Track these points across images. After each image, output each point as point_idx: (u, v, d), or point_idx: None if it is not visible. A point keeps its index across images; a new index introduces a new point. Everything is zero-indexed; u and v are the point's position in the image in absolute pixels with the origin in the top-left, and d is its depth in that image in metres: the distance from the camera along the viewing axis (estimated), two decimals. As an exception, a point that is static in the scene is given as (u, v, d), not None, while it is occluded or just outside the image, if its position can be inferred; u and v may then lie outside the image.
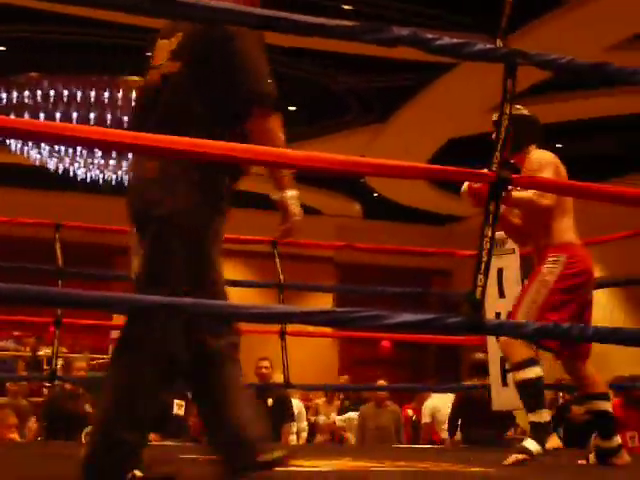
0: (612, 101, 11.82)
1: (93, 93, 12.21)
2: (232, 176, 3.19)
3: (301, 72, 11.45)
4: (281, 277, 6.91)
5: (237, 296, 3.27)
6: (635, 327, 11.29)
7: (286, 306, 2.93)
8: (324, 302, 15.65)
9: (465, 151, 10.20)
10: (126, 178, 14.24)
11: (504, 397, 6.67)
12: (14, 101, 12.35)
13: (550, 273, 4.52)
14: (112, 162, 13.99)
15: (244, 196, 3.23)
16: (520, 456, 4.38)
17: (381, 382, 10.57)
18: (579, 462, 4.75)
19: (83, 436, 4.73)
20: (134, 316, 3.02)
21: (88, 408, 7.97)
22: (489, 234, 3.00)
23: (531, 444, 4.41)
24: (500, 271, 6.66)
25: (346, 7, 10.12)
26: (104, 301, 2.79)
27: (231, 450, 3.09)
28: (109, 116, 12.42)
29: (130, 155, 13.39)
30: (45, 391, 10.33)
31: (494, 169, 3.05)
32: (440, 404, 9.42)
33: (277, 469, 3.10)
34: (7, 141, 12.89)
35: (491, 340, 6.53)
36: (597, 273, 15.03)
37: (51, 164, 14.12)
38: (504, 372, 6.48)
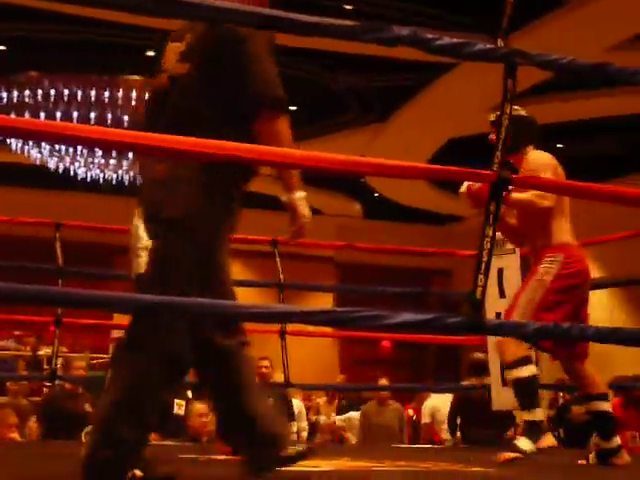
0: (613, 101, 11.82)
1: (93, 92, 12.20)
2: (243, 177, 3.21)
3: (301, 72, 11.45)
4: (281, 277, 6.91)
5: (237, 295, 3.28)
6: (635, 327, 11.29)
7: (286, 306, 2.94)
8: (324, 302, 15.65)
9: (465, 151, 10.19)
10: (126, 178, 14.25)
11: (504, 397, 6.67)
12: (14, 100, 12.34)
13: (547, 273, 4.52)
14: (112, 161, 13.98)
15: (244, 196, 3.24)
16: (512, 454, 4.39)
17: (383, 381, 10.57)
18: (579, 462, 4.75)
19: (83, 436, 4.72)
20: (139, 316, 3.03)
21: (88, 407, 7.96)
22: (489, 234, 3.00)
23: (524, 443, 4.41)
24: (500, 271, 6.66)
25: (347, 7, 10.13)
26: (104, 300, 2.79)
27: (254, 446, 3.12)
28: (109, 115, 12.41)
29: (130, 155, 13.44)
30: (45, 391, 10.32)
31: (495, 169, 3.05)
32: (439, 404, 9.42)
33: (291, 467, 3.13)
34: (8, 140, 12.88)
35: (491, 340, 6.53)
36: (597, 273, 15.07)
37: (51, 163, 14.12)
38: (504, 372, 6.48)
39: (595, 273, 15.08)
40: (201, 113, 3.11)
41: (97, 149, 12.63)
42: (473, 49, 2.97)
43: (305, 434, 9.85)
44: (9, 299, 2.65)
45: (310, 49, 10.21)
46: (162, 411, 3.32)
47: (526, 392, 4.49)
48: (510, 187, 4.22)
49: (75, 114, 12.31)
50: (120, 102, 12.27)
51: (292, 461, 3.14)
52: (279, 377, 7.41)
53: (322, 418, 11.82)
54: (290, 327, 6.89)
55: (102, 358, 12.47)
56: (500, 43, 3.03)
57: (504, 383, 6.51)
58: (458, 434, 8.31)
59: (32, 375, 11.17)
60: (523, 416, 4.48)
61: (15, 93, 12.30)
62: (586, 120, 12.81)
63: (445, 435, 9.10)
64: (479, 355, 7.69)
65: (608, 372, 10.20)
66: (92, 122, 12.17)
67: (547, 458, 4.62)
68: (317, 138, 13.74)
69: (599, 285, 10.51)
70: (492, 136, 4.81)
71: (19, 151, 13.76)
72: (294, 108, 13.62)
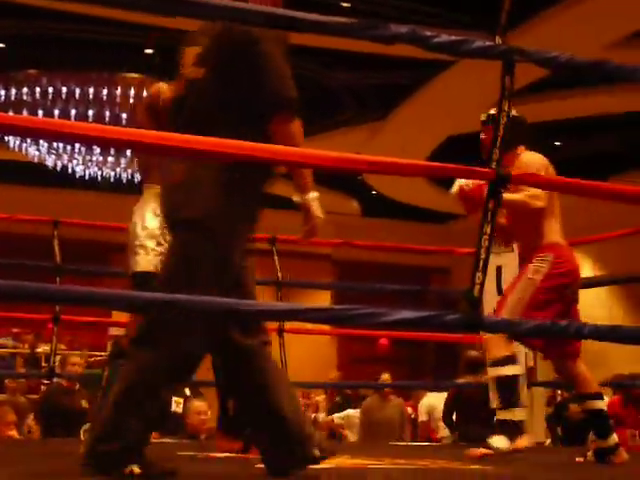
0: (611, 99, 11.82)
1: (92, 90, 12.20)
2: (262, 178, 3.22)
3: (298, 69, 11.40)
4: (279, 274, 6.91)
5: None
6: (634, 325, 11.31)
7: (287, 303, 2.94)
8: (322, 300, 15.66)
9: (464, 148, 10.19)
10: (124, 175, 14.24)
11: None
12: (13, 98, 12.33)
13: (537, 272, 4.52)
14: (110, 159, 13.98)
15: (264, 196, 3.27)
16: (484, 451, 4.39)
17: (386, 376, 10.58)
18: (577, 460, 4.75)
19: (82, 433, 4.72)
20: (150, 313, 3.03)
21: (85, 404, 7.97)
22: (488, 232, 3.00)
23: (499, 441, 4.42)
24: (499, 269, 6.65)
25: (344, 4, 10.13)
26: (102, 298, 2.79)
27: (279, 446, 3.13)
28: (107, 113, 12.41)
29: (128, 153, 13.42)
30: (43, 388, 10.33)
31: (493, 167, 3.05)
32: (436, 402, 9.43)
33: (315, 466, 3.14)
34: (6, 138, 12.88)
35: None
36: (596, 271, 15.04)
37: (49, 161, 14.11)
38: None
39: (594, 271, 15.12)
40: (216, 115, 3.14)
41: (95, 147, 12.63)
42: (471, 46, 2.96)
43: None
44: (7, 297, 2.65)
45: (307, 47, 10.22)
46: (165, 409, 3.34)
47: (507, 391, 4.49)
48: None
49: (73, 112, 12.30)
50: (118, 100, 12.26)
51: (317, 462, 3.15)
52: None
53: (321, 416, 11.82)
54: (288, 324, 6.89)
55: (100, 355, 12.48)
56: (498, 40, 3.03)
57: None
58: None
59: (30, 373, 11.17)
60: (502, 415, 4.46)
61: (13, 90, 12.29)
62: (584, 118, 12.82)
63: (442, 433, 9.10)
64: (474, 353, 7.69)
65: (605, 370, 10.21)
66: (90, 120, 12.16)
67: (545, 456, 4.62)
68: (315, 136, 13.73)
69: (598, 283, 10.53)
70: (483, 136, 4.82)
71: (17, 149, 13.76)
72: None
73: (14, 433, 7.55)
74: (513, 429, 4.44)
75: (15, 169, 15.09)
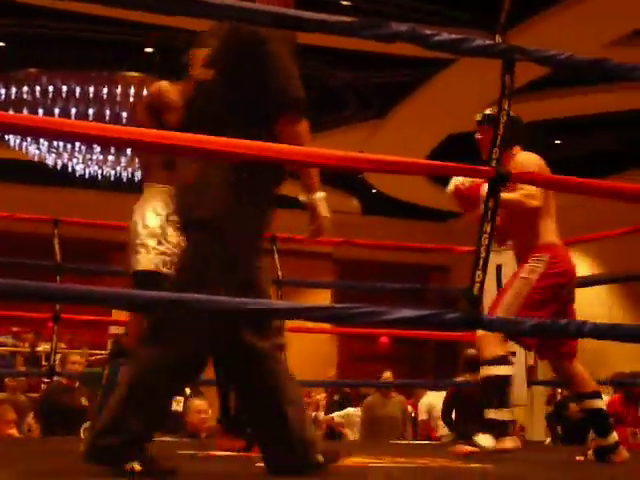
0: (611, 97, 11.82)
1: (92, 89, 12.20)
2: (273, 178, 3.22)
3: (299, 68, 11.42)
4: (279, 273, 6.91)
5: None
6: (634, 323, 11.30)
7: (288, 302, 2.94)
8: (322, 298, 15.65)
9: (464, 147, 10.19)
10: (125, 174, 14.24)
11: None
12: (13, 97, 12.33)
13: (532, 272, 4.51)
14: (111, 158, 13.98)
15: (275, 197, 3.28)
16: (470, 448, 4.38)
17: (387, 374, 10.58)
18: (577, 459, 4.75)
19: (82, 431, 4.73)
20: (166, 312, 3.04)
21: (84, 402, 7.97)
22: (488, 230, 3.00)
23: (484, 439, 4.41)
24: (499, 267, 6.66)
25: (344, 3, 10.12)
26: (102, 297, 2.79)
27: (282, 449, 3.14)
28: (108, 112, 12.41)
29: (129, 151, 13.41)
30: (44, 387, 10.33)
31: (493, 165, 3.05)
32: (435, 401, 9.43)
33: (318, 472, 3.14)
34: (6, 137, 12.88)
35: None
36: (596, 269, 15.02)
37: (50, 160, 14.11)
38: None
39: (593, 269, 15.10)
40: (225, 117, 3.15)
41: (95, 145, 12.64)
42: (471, 45, 2.97)
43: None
44: (7, 295, 2.65)
45: (308, 45, 10.21)
46: (167, 408, 3.36)
47: (497, 391, 4.48)
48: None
49: (73, 110, 12.30)
50: (119, 98, 12.26)
51: (320, 467, 3.15)
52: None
53: (321, 414, 11.82)
54: (289, 323, 6.88)
55: (100, 354, 12.48)
56: (498, 39, 3.03)
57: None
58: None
59: (30, 371, 11.17)
60: (490, 414, 4.45)
61: (13, 89, 12.29)
62: (584, 116, 12.81)
63: (441, 431, 9.11)
64: (474, 351, 7.68)
65: (605, 369, 10.22)
66: (90, 118, 12.17)
67: (545, 455, 4.62)
68: (315, 134, 13.68)
69: (598, 281, 10.52)
70: (478, 135, 4.83)
71: (17, 147, 13.75)
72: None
73: (14, 432, 7.55)
74: (500, 429, 4.42)
75: (15, 168, 15.09)
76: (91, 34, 11.32)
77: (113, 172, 14.30)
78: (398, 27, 2.87)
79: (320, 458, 3.16)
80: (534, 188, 4.37)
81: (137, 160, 12.95)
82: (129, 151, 13.21)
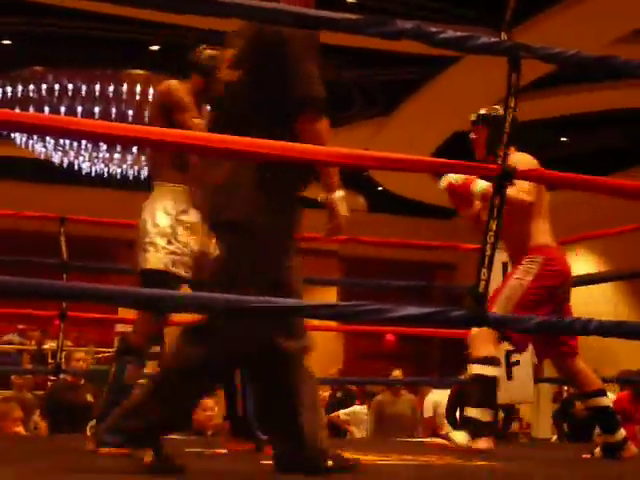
0: (617, 94, 11.81)
1: (98, 87, 12.22)
2: (302, 178, 3.23)
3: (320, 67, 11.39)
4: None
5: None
6: (640, 321, 11.29)
7: (294, 300, 2.94)
8: (328, 296, 15.65)
9: (470, 145, 10.19)
10: (131, 172, 14.27)
11: (509, 391, 6.66)
12: (19, 95, 12.36)
13: (527, 272, 4.50)
14: (117, 156, 14.00)
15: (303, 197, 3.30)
16: (442, 441, 4.38)
17: (396, 373, 10.58)
18: (584, 457, 4.75)
19: (88, 429, 4.72)
20: (216, 311, 3.05)
21: (90, 398, 7.98)
22: (493, 228, 3.00)
23: (458, 435, 4.41)
24: (505, 265, 6.64)
25: (350, 0, 10.12)
26: (109, 295, 2.80)
27: (294, 449, 3.14)
28: (114, 110, 12.43)
29: (134, 149, 13.44)
30: (50, 385, 10.35)
31: (499, 162, 3.05)
32: (440, 399, 9.43)
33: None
34: (12, 135, 12.90)
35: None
36: (602, 267, 15.00)
37: (56, 158, 14.14)
38: (509, 366, 6.48)
39: (599, 267, 15.09)
40: (250, 117, 3.17)
41: (101, 143, 12.65)
42: (477, 42, 2.97)
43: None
44: (14, 293, 2.66)
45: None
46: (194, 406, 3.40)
47: (484, 391, 4.46)
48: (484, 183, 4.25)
49: (79, 109, 12.33)
50: (124, 96, 12.28)
51: (329, 471, 3.15)
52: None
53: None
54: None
55: (107, 352, 12.49)
56: (504, 36, 3.03)
57: (509, 377, 6.52)
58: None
59: (37, 369, 11.18)
60: (471, 412, 4.44)
61: (20, 87, 12.32)
62: (590, 113, 12.79)
63: (447, 429, 9.10)
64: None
65: (611, 366, 10.22)
66: (96, 116, 12.19)
67: (552, 452, 4.62)
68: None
69: (603, 279, 10.52)
70: (472, 135, 4.83)
71: (24, 145, 13.78)
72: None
73: (21, 429, 7.55)
74: (477, 428, 4.41)
75: (22, 166, 15.12)
76: (97, 32, 11.34)
77: (119, 170, 14.33)
78: (403, 25, 2.87)
79: (330, 463, 3.16)
80: (527, 184, 4.35)
81: (146, 158, 13.00)
82: (135, 149, 13.24)
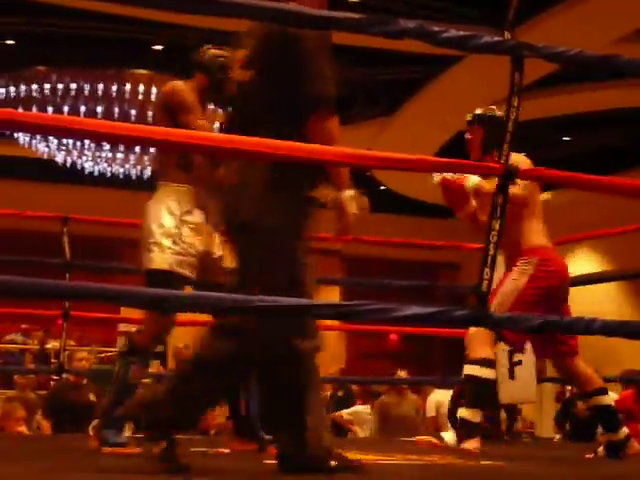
0: (619, 94, 11.80)
1: (101, 86, 12.23)
2: (312, 178, 3.23)
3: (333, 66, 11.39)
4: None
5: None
6: (643, 320, 11.27)
7: (296, 299, 2.94)
8: (331, 295, 15.62)
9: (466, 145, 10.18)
10: (134, 172, 14.27)
11: (511, 390, 6.67)
12: (22, 94, 12.36)
13: (522, 274, 4.48)
14: (120, 155, 14.01)
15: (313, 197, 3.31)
16: (433, 440, 4.37)
17: (402, 374, 10.57)
18: (587, 456, 4.74)
19: (90, 428, 4.72)
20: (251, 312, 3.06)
21: (92, 397, 7.99)
22: (496, 227, 3.00)
23: (449, 436, 4.40)
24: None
25: (352, 0, 10.12)
26: (112, 294, 2.80)
27: (299, 449, 3.14)
28: (116, 109, 12.43)
29: (137, 149, 13.45)
30: (53, 384, 10.36)
31: (501, 161, 3.05)
32: (443, 398, 9.42)
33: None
34: (15, 134, 12.90)
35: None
36: (606, 266, 14.96)
37: (59, 157, 14.15)
38: (512, 365, 6.48)
39: (603, 266, 15.05)
40: (262, 117, 3.18)
41: (104, 143, 12.66)
42: (480, 41, 2.97)
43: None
44: (17, 293, 2.66)
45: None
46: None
47: (476, 391, 4.46)
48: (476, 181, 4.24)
49: (82, 108, 12.33)
50: (127, 96, 12.29)
51: (332, 471, 3.16)
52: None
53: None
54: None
55: (109, 351, 12.50)
56: (507, 36, 3.03)
57: (511, 376, 6.51)
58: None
59: (40, 368, 11.19)
60: (463, 413, 4.43)
61: (23, 87, 12.32)
62: (593, 113, 12.78)
63: (449, 429, 9.09)
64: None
65: (615, 366, 10.21)
66: (99, 116, 12.19)
67: (554, 452, 4.61)
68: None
69: (607, 278, 10.51)
70: (467, 135, 4.83)
71: (27, 145, 13.79)
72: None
73: (24, 429, 7.56)
74: (467, 429, 4.39)
75: (25, 166, 15.12)
76: (100, 32, 11.35)
77: (122, 170, 14.33)
78: (406, 24, 2.87)
79: (333, 463, 3.16)
80: (518, 180, 4.34)
81: (151, 158, 13.00)
82: (138, 149, 13.25)
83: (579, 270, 14.09)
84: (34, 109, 12.08)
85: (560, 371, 4.78)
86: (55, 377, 9.11)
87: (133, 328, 4.60)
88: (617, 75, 9.64)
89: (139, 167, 14.24)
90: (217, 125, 5.33)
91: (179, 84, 4.44)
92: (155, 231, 4.26)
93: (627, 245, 11.29)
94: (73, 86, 12.22)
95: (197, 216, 4.32)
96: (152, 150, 12.13)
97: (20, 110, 10.93)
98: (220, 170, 3.29)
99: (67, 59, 12.01)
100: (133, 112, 12.38)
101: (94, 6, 9.49)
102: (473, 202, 4.65)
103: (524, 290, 4.44)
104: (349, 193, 3.23)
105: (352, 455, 3.51)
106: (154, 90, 12.01)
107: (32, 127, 2.81)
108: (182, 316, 4.72)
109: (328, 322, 7.70)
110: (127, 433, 4.39)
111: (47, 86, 12.26)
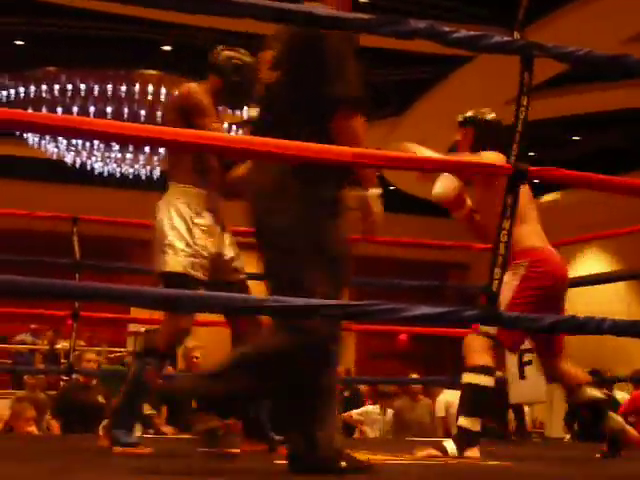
0: (629, 93, 11.77)
1: (110, 87, 12.25)
2: (339, 179, 3.23)
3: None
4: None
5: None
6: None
7: (305, 299, 2.93)
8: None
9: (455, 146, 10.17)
10: (143, 172, 14.30)
11: (521, 390, 6.65)
12: (32, 95, 12.40)
13: (514, 275, 4.46)
14: (129, 156, 14.04)
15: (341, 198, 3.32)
16: (434, 452, 4.35)
17: (414, 376, 10.57)
18: (597, 456, 4.73)
19: (100, 429, 4.74)
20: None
21: (101, 399, 8.00)
22: (506, 227, 3.00)
23: (450, 445, 4.38)
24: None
25: (362, 0, 10.12)
26: (122, 294, 2.80)
27: (313, 450, 3.14)
28: (126, 110, 12.46)
29: (147, 149, 13.47)
30: (62, 384, 10.38)
31: (511, 161, 3.05)
32: (452, 399, 9.41)
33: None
34: (25, 135, 12.94)
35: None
36: (615, 266, 14.94)
37: (68, 158, 14.18)
38: (522, 365, 6.47)
39: (613, 266, 15.03)
40: (288, 117, 3.19)
41: (114, 143, 12.69)
42: (490, 41, 2.96)
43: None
44: (27, 293, 2.66)
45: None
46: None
47: (475, 400, 4.43)
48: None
49: (92, 109, 12.36)
50: (137, 97, 12.32)
51: (342, 472, 3.15)
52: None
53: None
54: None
55: (119, 352, 12.52)
56: (517, 35, 3.03)
57: (521, 376, 6.50)
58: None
59: (49, 369, 11.22)
60: (462, 421, 4.41)
61: (32, 88, 12.36)
62: (602, 112, 12.75)
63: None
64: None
65: (626, 366, 10.18)
66: (109, 117, 12.22)
67: (563, 452, 4.61)
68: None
69: (617, 278, 10.49)
70: (457, 137, 4.84)
71: (36, 146, 13.83)
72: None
73: (33, 429, 7.58)
74: (467, 438, 4.37)
75: (34, 166, 15.16)
76: (109, 32, 11.37)
77: (131, 170, 14.37)
78: (417, 24, 2.87)
79: (343, 464, 3.16)
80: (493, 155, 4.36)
81: (164, 160, 13.02)
82: (147, 149, 13.26)
83: (588, 270, 14.11)
84: (44, 109, 12.11)
85: (547, 372, 4.77)
86: (65, 377, 9.13)
87: (142, 328, 4.60)
88: (627, 75, 9.58)
89: (148, 167, 14.27)
90: (226, 126, 5.33)
91: (194, 86, 4.42)
92: (168, 233, 4.26)
93: (636, 245, 11.25)
94: (82, 87, 12.25)
95: (208, 218, 4.32)
96: (162, 151, 12.18)
97: (30, 110, 10.96)
98: (236, 172, 3.30)
99: (76, 60, 12.04)
100: (142, 112, 12.41)
101: (102, 7, 9.50)
102: (469, 203, 4.66)
103: (517, 292, 4.41)
104: (375, 192, 3.23)
105: (361, 455, 3.51)
106: (163, 90, 12.04)
107: (41, 128, 2.82)
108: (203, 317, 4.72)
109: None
110: (137, 433, 4.40)
111: (56, 87, 12.29)
